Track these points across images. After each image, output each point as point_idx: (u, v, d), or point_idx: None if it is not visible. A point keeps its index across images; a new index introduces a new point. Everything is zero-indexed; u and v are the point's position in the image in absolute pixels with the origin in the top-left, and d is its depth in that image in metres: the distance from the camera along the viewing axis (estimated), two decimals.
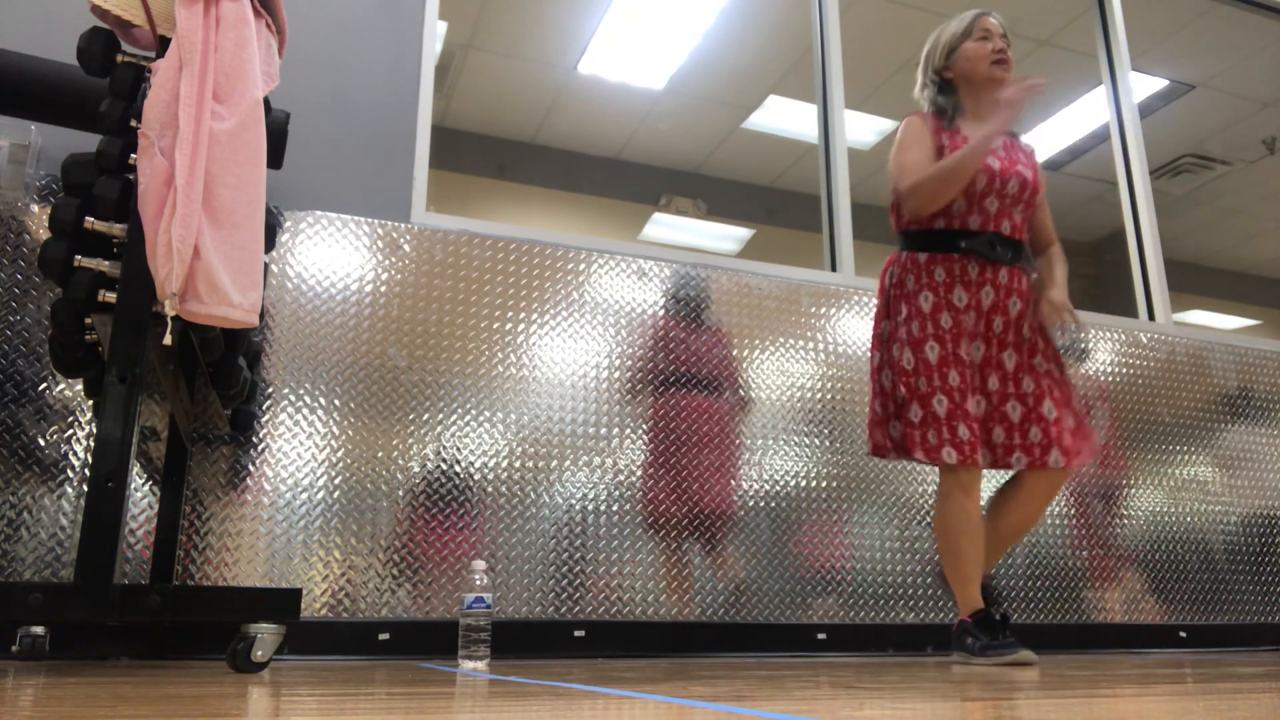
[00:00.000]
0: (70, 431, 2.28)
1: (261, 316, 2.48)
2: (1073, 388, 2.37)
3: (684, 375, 2.92)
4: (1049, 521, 3.24)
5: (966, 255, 2.32)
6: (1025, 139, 2.53)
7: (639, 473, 2.77)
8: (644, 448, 2.79)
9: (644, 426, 2.81)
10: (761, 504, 2.89)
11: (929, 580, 3.01)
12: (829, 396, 3.08)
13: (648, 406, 2.84)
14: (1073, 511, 3.28)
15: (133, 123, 1.69)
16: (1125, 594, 3.27)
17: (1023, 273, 2.36)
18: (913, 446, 2.23)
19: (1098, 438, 2.29)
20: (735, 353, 3.00)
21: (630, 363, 2.85)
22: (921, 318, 2.31)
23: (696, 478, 2.83)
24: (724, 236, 6.35)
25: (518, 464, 2.65)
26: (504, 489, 2.61)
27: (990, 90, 2.41)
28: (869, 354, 2.43)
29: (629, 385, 2.84)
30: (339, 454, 2.48)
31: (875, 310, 2.46)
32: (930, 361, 2.26)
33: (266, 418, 2.44)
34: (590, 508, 2.69)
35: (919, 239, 2.38)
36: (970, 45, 2.42)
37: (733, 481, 2.87)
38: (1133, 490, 3.41)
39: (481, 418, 2.65)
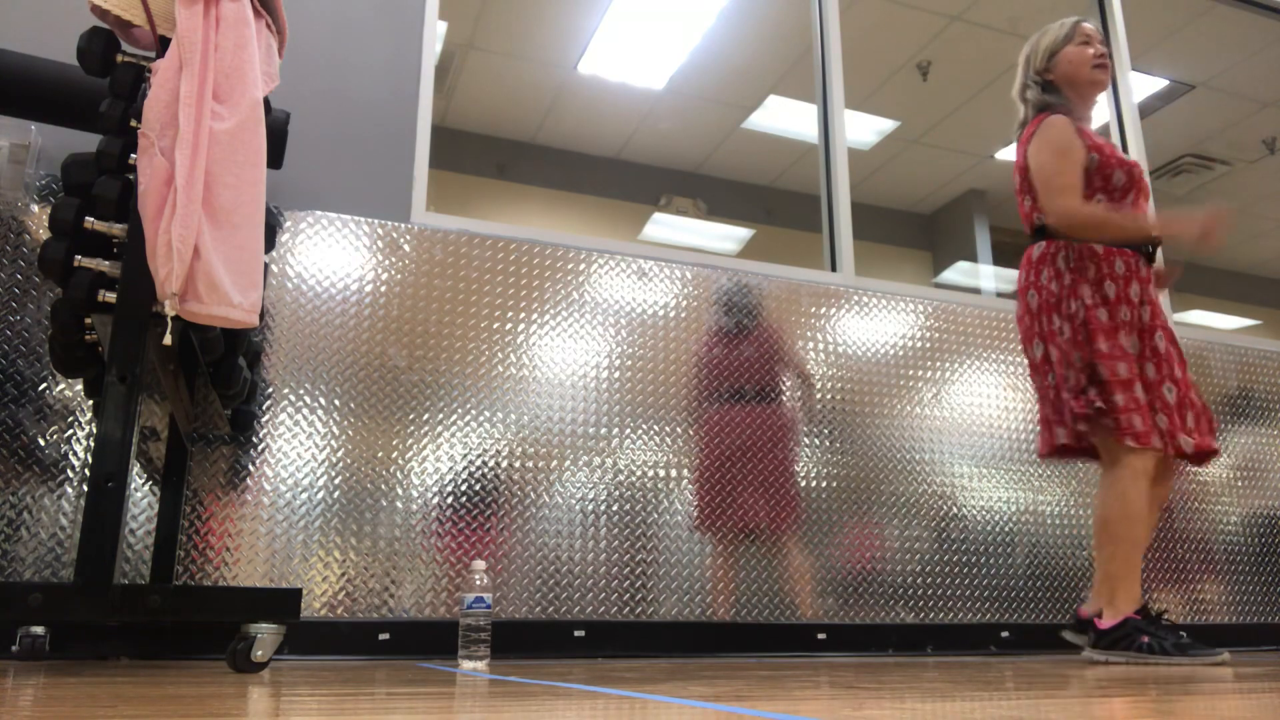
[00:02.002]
0: (70, 431, 2.28)
1: (261, 316, 2.48)
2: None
3: (739, 388, 2.95)
4: (1050, 521, 3.24)
5: (1138, 251, 2.43)
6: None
7: (693, 484, 2.78)
8: (699, 460, 2.80)
9: (699, 438, 2.81)
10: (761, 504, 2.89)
11: (929, 580, 3.01)
12: (829, 397, 3.08)
13: (705, 418, 2.87)
14: (1073, 511, 3.28)
15: (133, 123, 1.69)
16: None
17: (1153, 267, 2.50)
18: (1123, 433, 2.24)
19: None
20: (783, 359, 3.01)
21: (685, 374, 2.86)
22: (1110, 305, 2.36)
23: (743, 490, 2.84)
24: (724, 236, 6.35)
25: (518, 464, 2.65)
26: (504, 489, 2.61)
27: (1091, 92, 2.55)
28: (1035, 345, 2.42)
29: (690, 397, 2.88)
30: (339, 454, 2.48)
31: (1035, 302, 2.42)
32: (1127, 349, 2.32)
33: (266, 418, 2.44)
34: (590, 508, 2.69)
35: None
36: (1072, 49, 2.53)
37: (777, 494, 2.91)
38: None
39: (481, 418, 2.65)
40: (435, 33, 3.00)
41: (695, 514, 2.79)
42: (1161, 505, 2.44)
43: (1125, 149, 4.09)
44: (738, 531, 2.81)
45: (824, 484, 2.98)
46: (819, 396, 3.07)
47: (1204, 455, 2.35)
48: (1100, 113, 4.26)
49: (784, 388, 3.02)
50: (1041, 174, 2.43)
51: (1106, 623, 2.24)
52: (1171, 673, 1.81)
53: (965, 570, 3.07)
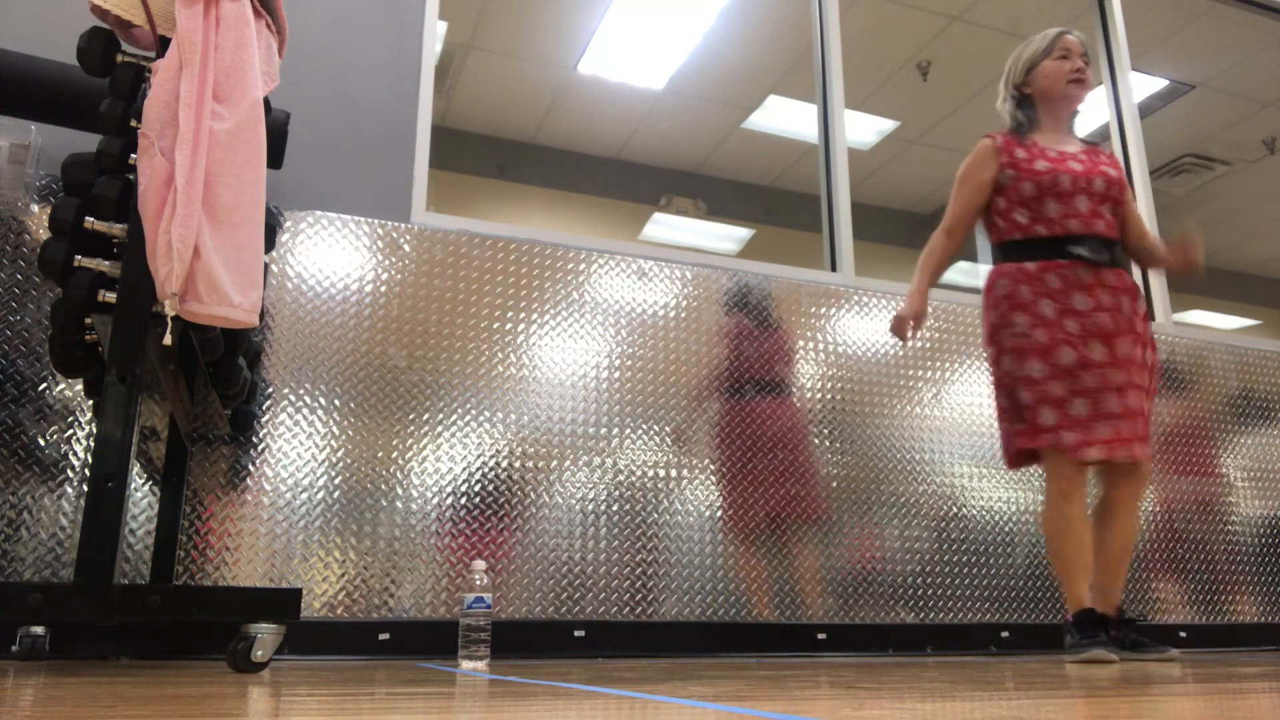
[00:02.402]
0: (70, 431, 2.28)
1: (261, 316, 2.48)
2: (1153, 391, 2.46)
3: (759, 379, 2.96)
4: None
5: (1076, 260, 2.39)
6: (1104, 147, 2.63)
7: (720, 480, 2.79)
8: (722, 454, 2.80)
9: (718, 432, 2.81)
10: (762, 504, 2.89)
11: (929, 580, 3.01)
12: (829, 397, 3.08)
13: (723, 413, 2.87)
14: None
15: (133, 123, 1.69)
16: (1125, 593, 3.27)
17: (1124, 271, 2.44)
18: (1060, 448, 2.29)
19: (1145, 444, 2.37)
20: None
21: (705, 368, 2.86)
22: (1048, 324, 2.36)
23: (775, 481, 2.85)
24: (724, 236, 6.35)
25: (518, 464, 2.65)
26: (504, 489, 2.61)
27: (1066, 107, 2.54)
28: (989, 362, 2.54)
29: (705, 390, 2.89)
30: (339, 454, 2.48)
31: (985, 330, 2.51)
32: (1063, 365, 2.32)
33: (266, 418, 2.44)
34: (590, 508, 2.69)
35: (1024, 248, 2.44)
36: (1049, 64, 2.53)
37: (808, 484, 2.92)
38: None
39: (481, 418, 2.65)
40: (435, 33, 3.00)
41: (722, 507, 2.80)
42: (1129, 509, 2.41)
43: (1125, 149, 4.09)
44: (770, 522, 2.83)
45: (824, 484, 2.98)
46: (820, 396, 3.07)
47: (1123, 463, 2.36)
48: (1100, 113, 4.27)
49: (802, 381, 3.02)
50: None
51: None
52: (1170, 671, 1.81)
53: (965, 570, 3.07)
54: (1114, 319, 2.36)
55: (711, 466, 2.85)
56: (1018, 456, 2.44)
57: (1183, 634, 3.30)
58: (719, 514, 2.81)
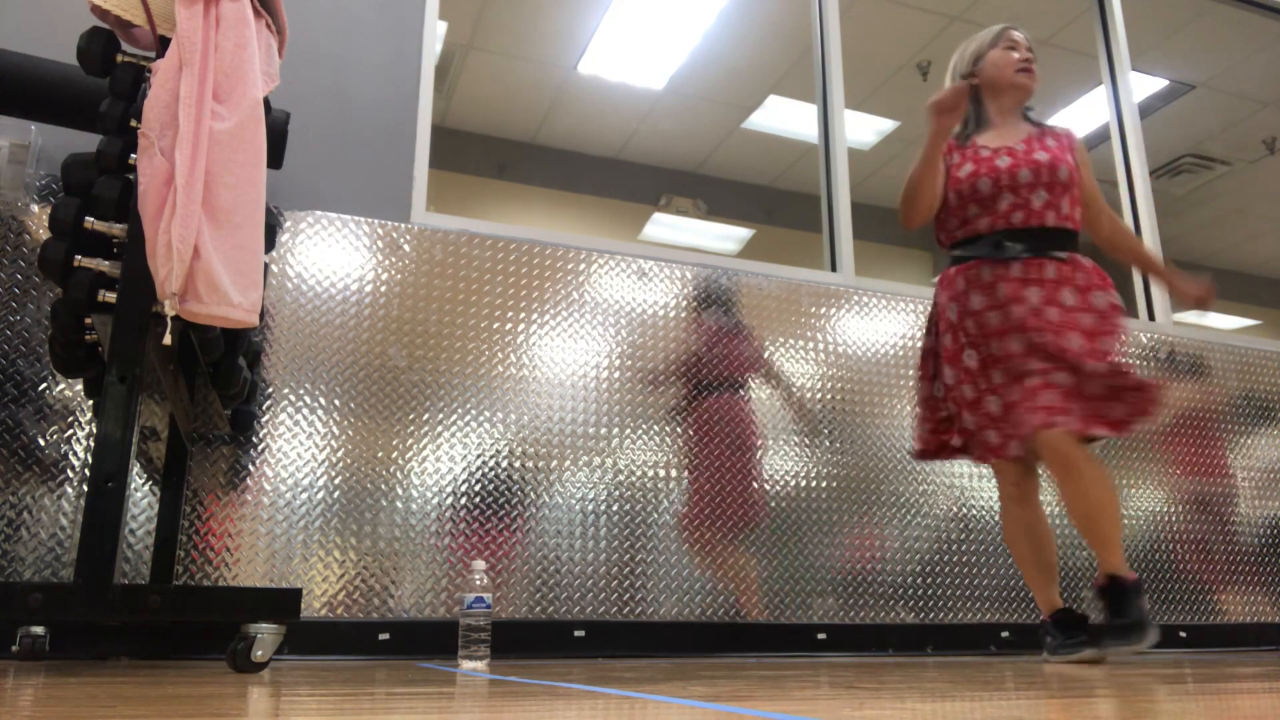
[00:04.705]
0: (70, 431, 2.28)
1: (261, 316, 2.48)
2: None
3: (724, 377, 2.95)
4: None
5: (981, 260, 2.36)
6: (1064, 126, 2.54)
7: (686, 478, 2.77)
8: (682, 451, 2.80)
9: (673, 428, 2.81)
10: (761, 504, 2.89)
11: (929, 580, 3.01)
12: (829, 397, 3.08)
13: (685, 409, 2.86)
14: None
15: (133, 123, 1.69)
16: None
17: (1047, 260, 2.30)
18: (983, 451, 2.29)
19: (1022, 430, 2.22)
20: (764, 353, 3.01)
21: (668, 364, 2.86)
22: (954, 330, 2.37)
23: (732, 482, 2.84)
24: (724, 236, 6.35)
25: (518, 464, 2.65)
26: (504, 489, 2.61)
27: (1015, 98, 2.48)
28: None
29: (654, 383, 2.87)
30: (339, 454, 2.48)
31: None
32: (971, 368, 2.31)
33: (266, 418, 2.44)
34: (590, 508, 2.69)
35: (952, 255, 2.45)
36: (996, 54, 2.48)
37: (755, 485, 2.89)
38: (1133, 490, 3.41)
39: (481, 418, 2.65)
40: (435, 33, 3.00)
41: (699, 510, 2.79)
42: (1028, 497, 2.36)
43: (1125, 149, 4.09)
44: (707, 521, 2.80)
45: (824, 484, 2.98)
46: (820, 396, 3.07)
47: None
48: (1100, 113, 4.27)
49: (764, 381, 3.02)
50: None
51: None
52: (1176, 672, 1.81)
53: (965, 570, 3.07)
54: (1004, 315, 2.27)
55: (661, 460, 2.85)
56: (927, 454, 2.46)
57: (1183, 634, 3.30)
58: (676, 511, 2.80)
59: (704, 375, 2.93)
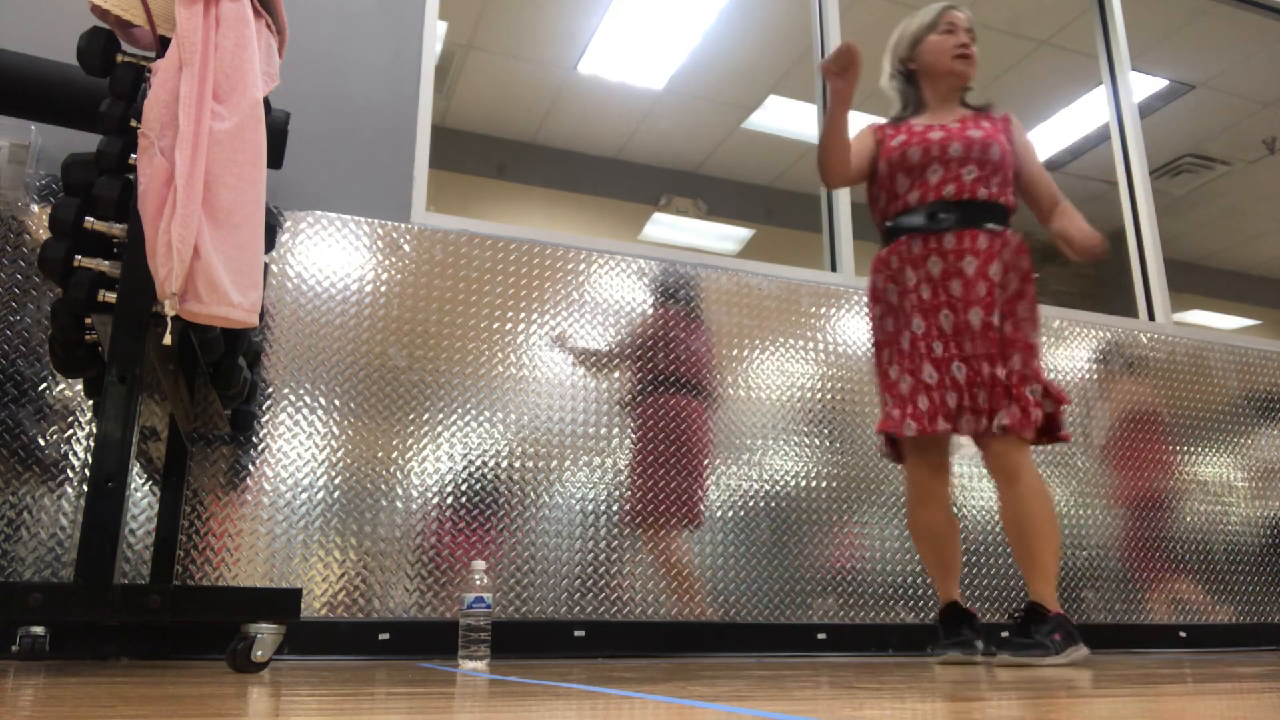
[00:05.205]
0: (70, 431, 2.28)
1: (261, 316, 2.48)
2: (1031, 352, 2.24)
3: (681, 376, 2.91)
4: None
5: (911, 235, 2.32)
6: (1003, 110, 2.48)
7: (635, 474, 2.77)
8: (636, 449, 2.79)
9: (634, 428, 2.81)
10: (761, 504, 2.89)
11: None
12: (829, 397, 3.08)
13: (641, 407, 2.84)
14: (1071, 510, 3.28)
15: (133, 123, 1.69)
16: (1125, 593, 3.27)
17: (980, 231, 2.27)
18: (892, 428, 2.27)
19: (1033, 412, 2.15)
20: (729, 353, 3.00)
21: (627, 361, 2.85)
22: (893, 312, 2.35)
23: (682, 481, 2.84)
24: (724, 236, 6.35)
25: (518, 464, 2.65)
26: (504, 489, 2.61)
27: (951, 84, 2.43)
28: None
29: (626, 385, 2.84)
30: (339, 454, 2.48)
31: None
32: (904, 350, 2.29)
33: (266, 418, 2.44)
34: (590, 508, 2.68)
35: (885, 233, 2.42)
36: (935, 38, 2.42)
37: (698, 488, 2.85)
38: (1133, 490, 3.41)
39: (481, 418, 2.65)
40: (435, 33, 3.00)
41: (619, 498, 2.76)
42: (1004, 486, 2.20)
43: (1125, 149, 4.09)
44: (651, 516, 2.76)
45: (823, 484, 2.98)
46: (819, 396, 3.07)
47: (984, 440, 2.22)
48: (1100, 113, 4.27)
49: (715, 379, 3.00)
50: None
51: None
52: (1172, 672, 1.81)
53: (965, 570, 3.07)
54: (933, 291, 2.25)
55: (609, 453, 2.85)
56: (888, 446, 2.42)
57: (1183, 634, 3.30)
58: (616, 506, 2.79)
59: (659, 370, 2.89)
